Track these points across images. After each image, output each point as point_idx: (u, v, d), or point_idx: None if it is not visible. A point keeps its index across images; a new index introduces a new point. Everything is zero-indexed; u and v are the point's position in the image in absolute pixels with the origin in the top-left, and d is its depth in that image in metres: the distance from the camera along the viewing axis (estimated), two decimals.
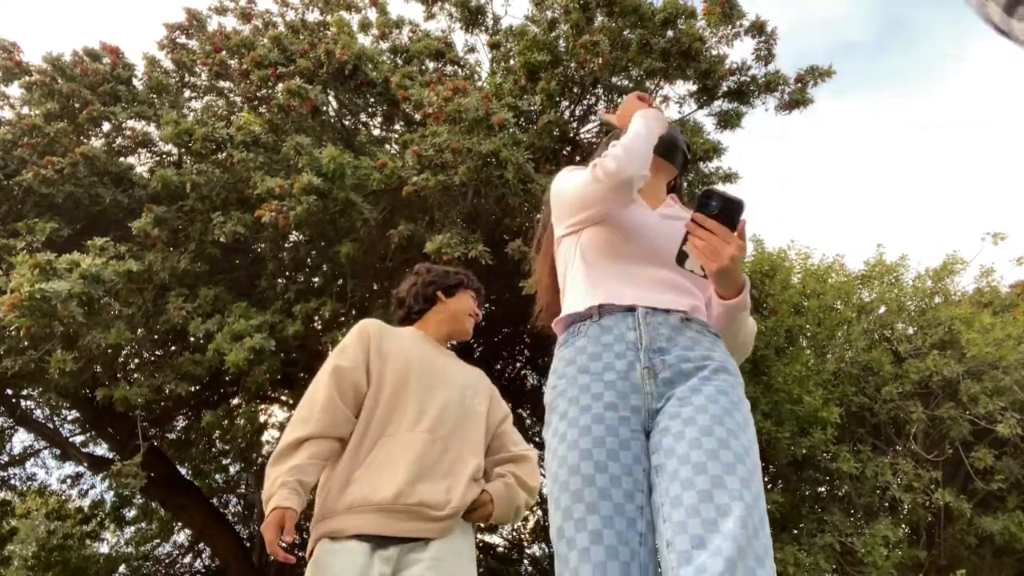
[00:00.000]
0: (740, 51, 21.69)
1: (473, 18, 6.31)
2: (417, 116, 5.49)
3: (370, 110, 6.36)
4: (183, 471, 7.85)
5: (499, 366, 8.12)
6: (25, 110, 5.85)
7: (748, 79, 5.81)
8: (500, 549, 8.90)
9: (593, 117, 6.16)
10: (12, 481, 8.15)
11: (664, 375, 1.31)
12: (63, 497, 8.55)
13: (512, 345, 8.03)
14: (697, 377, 1.29)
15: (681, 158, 1.65)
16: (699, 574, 1.04)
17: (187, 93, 6.63)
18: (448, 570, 1.60)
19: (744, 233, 1.27)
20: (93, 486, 8.51)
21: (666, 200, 1.61)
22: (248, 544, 7.50)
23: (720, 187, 1.34)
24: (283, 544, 1.54)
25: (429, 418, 1.75)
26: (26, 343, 4.43)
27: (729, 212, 1.25)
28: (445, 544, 1.63)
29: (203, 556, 8.87)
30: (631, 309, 1.38)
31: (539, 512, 9.06)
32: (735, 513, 1.08)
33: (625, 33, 5.58)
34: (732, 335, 1.42)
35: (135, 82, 6.12)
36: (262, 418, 6.86)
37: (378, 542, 1.57)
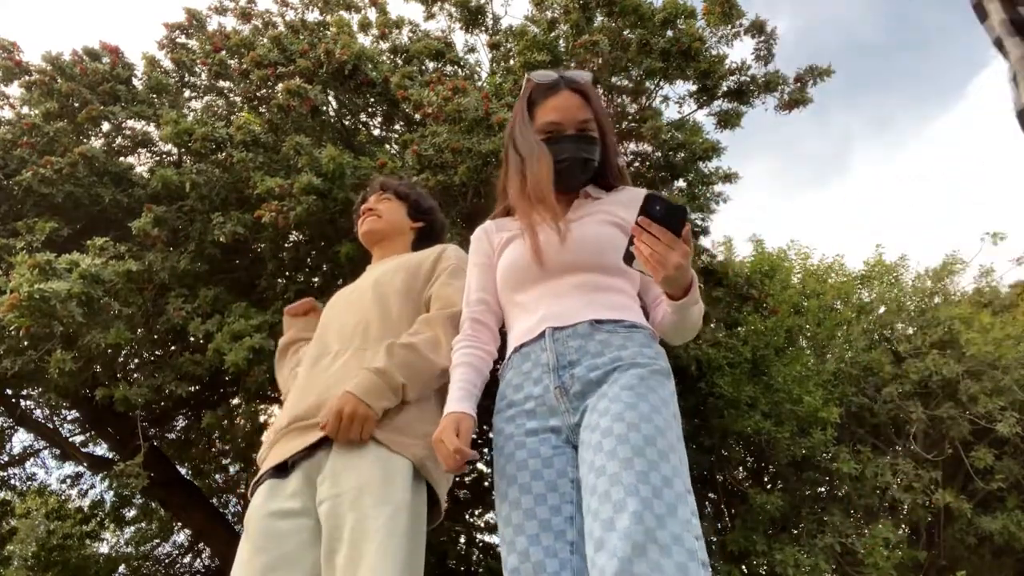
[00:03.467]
0: (740, 51, 21.71)
1: (473, 18, 6.30)
2: (417, 116, 5.49)
3: (370, 110, 6.36)
4: (183, 471, 7.85)
5: (497, 366, 8.12)
6: (25, 110, 5.85)
7: (748, 79, 5.81)
8: (500, 549, 8.89)
9: None
10: (12, 481, 8.15)
11: (575, 390, 1.34)
12: (63, 497, 8.55)
13: None
14: (607, 383, 1.31)
15: (581, 182, 1.57)
16: None
17: (187, 93, 6.63)
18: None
19: (689, 238, 1.28)
20: (93, 486, 8.51)
21: (575, 204, 1.57)
22: None
23: (663, 193, 1.34)
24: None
25: (307, 357, 1.65)
26: (26, 343, 4.43)
27: (673, 218, 1.26)
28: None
29: (203, 556, 8.87)
30: (543, 334, 1.42)
31: None
32: (629, 509, 1.09)
33: (625, 33, 5.58)
34: (680, 323, 1.42)
35: (135, 82, 6.12)
36: (262, 418, 6.85)
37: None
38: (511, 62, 6.08)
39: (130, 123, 5.93)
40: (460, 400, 1.43)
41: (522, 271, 1.49)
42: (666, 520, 1.09)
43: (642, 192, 1.58)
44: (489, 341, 1.54)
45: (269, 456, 1.47)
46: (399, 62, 6.21)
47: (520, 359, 1.45)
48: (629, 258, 1.30)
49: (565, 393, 1.34)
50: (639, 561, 1.03)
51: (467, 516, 8.66)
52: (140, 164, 6.10)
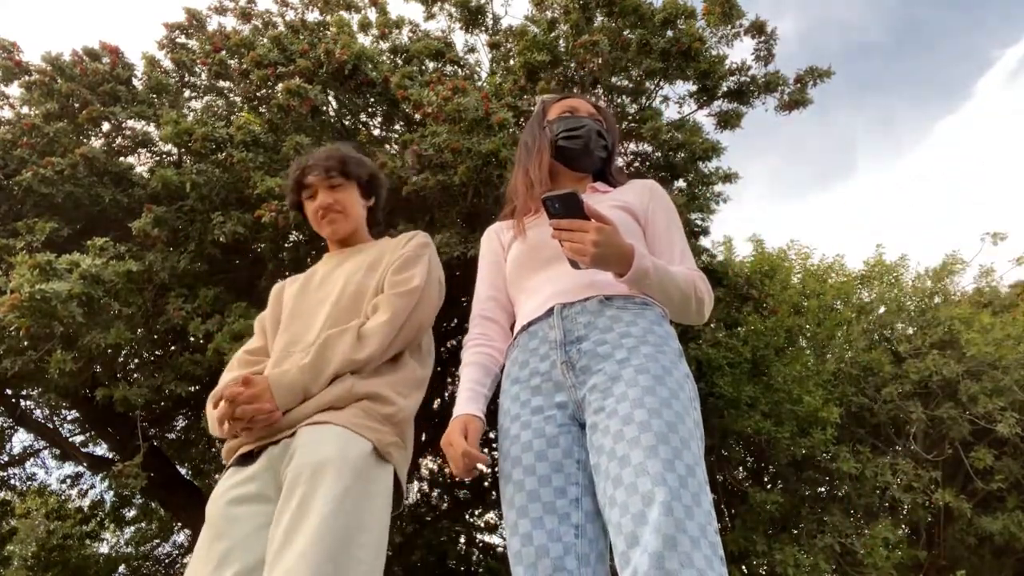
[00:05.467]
0: (740, 51, 21.74)
1: (473, 18, 6.31)
2: (417, 116, 5.49)
3: (370, 110, 6.36)
4: (183, 471, 7.85)
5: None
6: (25, 110, 5.85)
7: (748, 79, 5.82)
8: (500, 549, 8.90)
9: None
10: (12, 481, 8.15)
11: (581, 363, 1.32)
12: (63, 497, 8.55)
13: None
14: (615, 360, 1.28)
15: (597, 163, 1.63)
16: None
17: (187, 93, 6.63)
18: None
19: (597, 214, 1.28)
20: (93, 486, 8.52)
21: (585, 193, 1.61)
22: None
23: (551, 192, 1.33)
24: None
25: (274, 353, 1.59)
26: (26, 343, 4.42)
27: (571, 206, 1.28)
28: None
29: None
30: (551, 311, 1.41)
31: None
32: (658, 499, 1.08)
33: (625, 33, 5.58)
34: (663, 301, 1.39)
35: (135, 82, 6.12)
36: None
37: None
38: (511, 62, 6.08)
39: (130, 123, 5.94)
40: (467, 402, 1.43)
41: (529, 257, 1.51)
42: (693, 511, 1.08)
43: (650, 181, 1.61)
44: (498, 338, 1.54)
45: (237, 446, 1.46)
46: (399, 62, 6.21)
47: (527, 337, 1.44)
48: (574, 263, 1.32)
49: (572, 368, 1.33)
50: (671, 555, 1.03)
51: (467, 516, 8.66)
52: (140, 164, 6.09)
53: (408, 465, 1.51)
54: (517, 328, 1.50)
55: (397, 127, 6.40)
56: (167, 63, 6.37)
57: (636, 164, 6.05)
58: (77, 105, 5.54)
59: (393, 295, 1.53)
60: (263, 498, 1.37)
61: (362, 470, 1.33)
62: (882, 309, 9.13)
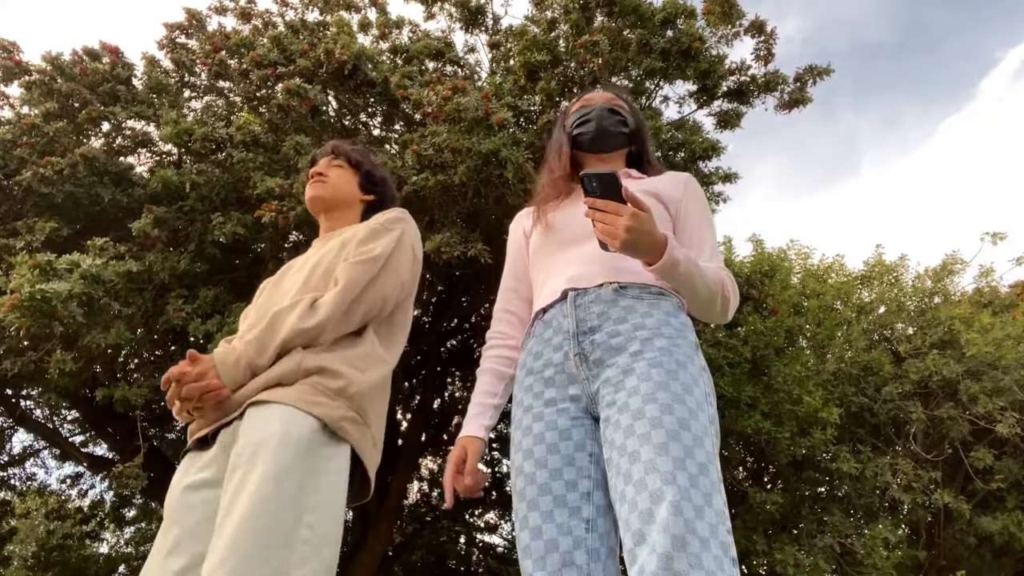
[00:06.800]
0: (740, 51, 21.72)
1: (473, 18, 6.31)
2: (417, 116, 5.49)
3: (370, 110, 6.36)
4: None
5: None
6: (25, 110, 5.85)
7: (748, 79, 5.82)
8: (500, 549, 8.90)
9: None
10: (12, 481, 8.16)
11: (595, 356, 1.31)
12: (63, 497, 8.56)
13: None
14: (629, 353, 1.26)
15: (619, 139, 1.60)
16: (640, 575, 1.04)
17: (187, 93, 6.63)
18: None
19: (634, 199, 1.24)
20: (93, 486, 8.52)
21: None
22: None
23: (592, 169, 1.34)
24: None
25: (238, 335, 1.55)
26: (26, 343, 4.43)
27: (609, 187, 1.26)
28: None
29: None
30: (565, 296, 1.40)
31: None
32: (667, 499, 1.06)
33: (625, 33, 5.58)
34: (688, 296, 1.36)
35: (135, 82, 6.12)
36: None
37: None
38: (511, 62, 6.08)
39: (130, 123, 5.94)
40: (472, 419, 1.44)
41: (550, 238, 1.51)
42: (704, 511, 1.07)
43: (686, 174, 1.60)
44: (516, 333, 1.55)
45: (195, 430, 1.42)
46: (399, 62, 6.22)
47: (542, 327, 1.43)
48: (603, 243, 1.29)
49: (585, 360, 1.31)
50: (679, 556, 1.02)
51: (467, 516, 8.67)
52: (140, 164, 6.10)
53: (374, 446, 1.44)
54: (534, 313, 1.49)
55: (397, 127, 6.41)
56: (167, 63, 6.37)
57: None
58: (77, 105, 5.54)
59: (351, 263, 1.51)
60: (217, 484, 1.32)
61: (309, 448, 1.26)
62: (882, 309, 9.13)
